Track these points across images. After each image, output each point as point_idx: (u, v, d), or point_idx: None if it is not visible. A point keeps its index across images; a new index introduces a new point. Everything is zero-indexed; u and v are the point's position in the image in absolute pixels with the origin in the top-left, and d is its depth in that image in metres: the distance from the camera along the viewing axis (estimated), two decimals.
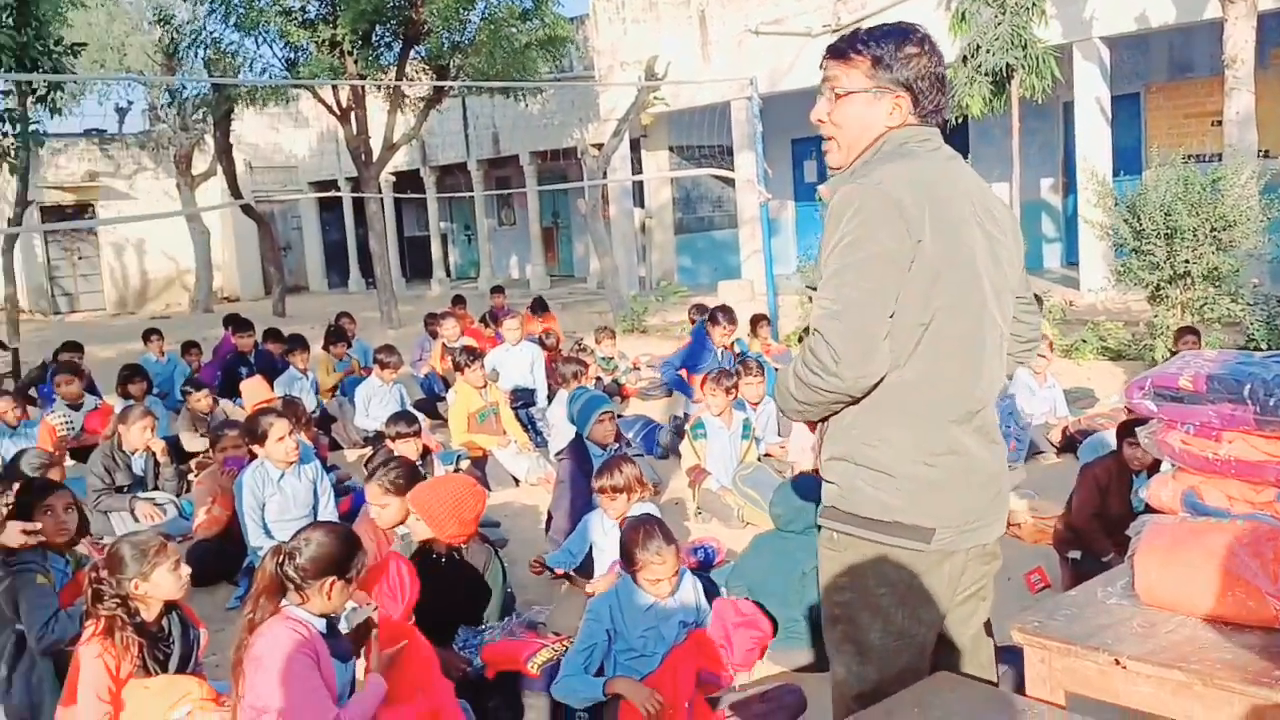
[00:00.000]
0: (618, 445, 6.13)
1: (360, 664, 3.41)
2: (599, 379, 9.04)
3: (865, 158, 2.36)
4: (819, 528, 2.40)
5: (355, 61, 16.57)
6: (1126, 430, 5.00)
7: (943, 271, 2.22)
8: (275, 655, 3.09)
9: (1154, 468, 4.82)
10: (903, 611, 2.29)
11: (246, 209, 21.97)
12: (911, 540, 2.25)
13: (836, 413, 2.32)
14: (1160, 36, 14.33)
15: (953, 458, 2.27)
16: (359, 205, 21.85)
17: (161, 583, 3.49)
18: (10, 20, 11.09)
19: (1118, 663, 2.10)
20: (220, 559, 5.65)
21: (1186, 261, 9.38)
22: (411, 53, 17.52)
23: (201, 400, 8.37)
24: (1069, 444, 7.24)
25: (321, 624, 3.24)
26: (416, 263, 27.78)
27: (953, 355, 2.26)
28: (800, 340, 10.30)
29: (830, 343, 2.17)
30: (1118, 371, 9.51)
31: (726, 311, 8.92)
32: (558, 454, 6.83)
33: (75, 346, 10.84)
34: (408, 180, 26.00)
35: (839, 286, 2.19)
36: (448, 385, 9.39)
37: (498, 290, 13.74)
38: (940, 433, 2.26)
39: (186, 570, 3.58)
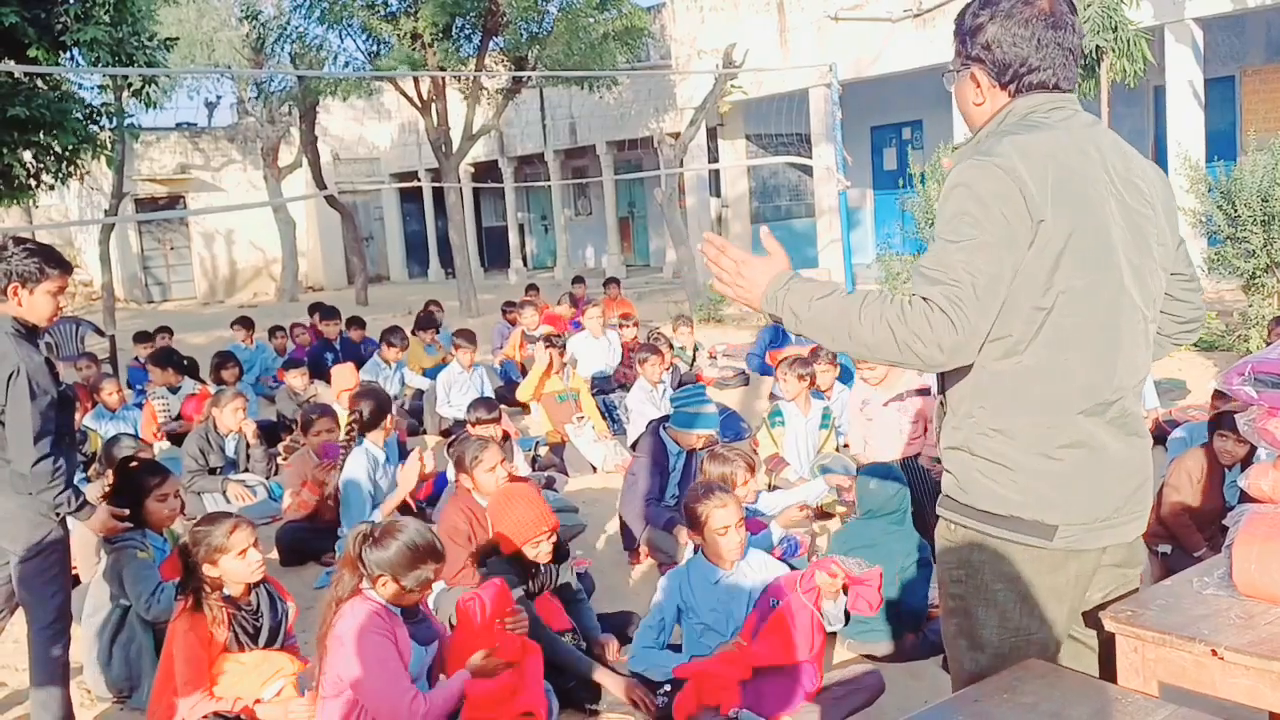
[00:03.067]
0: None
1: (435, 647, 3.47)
2: (675, 368, 9.06)
3: (990, 128, 2.22)
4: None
5: (435, 54, 16.81)
6: (1217, 423, 4.87)
7: (1067, 253, 2.05)
8: (354, 633, 3.19)
9: (1246, 461, 4.70)
10: (1021, 609, 2.17)
11: (330, 200, 22.50)
12: (1032, 537, 2.12)
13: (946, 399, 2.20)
14: (1257, 17, 13.82)
15: (1080, 451, 2.11)
16: (439, 196, 22.16)
17: (229, 569, 3.53)
18: (107, 16, 11.43)
19: (1215, 654, 2.06)
20: (309, 540, 5.82)
21: None
22: (490, 44, 17.72)
23: (298, 377, 8.70)
24: (1159, 435, 7.07)
25: (396, 609, 3.31)
26: (494, 253, 28.10)
27: (1081, 343, 2.09)
28: None
29: (932, 319, 1.99)
30: (1209, 363, 9.26)
31: None
32: (632, 445, 6.83)
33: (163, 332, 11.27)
34: (486, 171, 26.29)
35: (950, 266, 2.02)
36: (525, 373, 9.49)
37: (579, 280, 13.87)
38: (1066, 424, 2.10)
39: (256, 557, 3.58)
